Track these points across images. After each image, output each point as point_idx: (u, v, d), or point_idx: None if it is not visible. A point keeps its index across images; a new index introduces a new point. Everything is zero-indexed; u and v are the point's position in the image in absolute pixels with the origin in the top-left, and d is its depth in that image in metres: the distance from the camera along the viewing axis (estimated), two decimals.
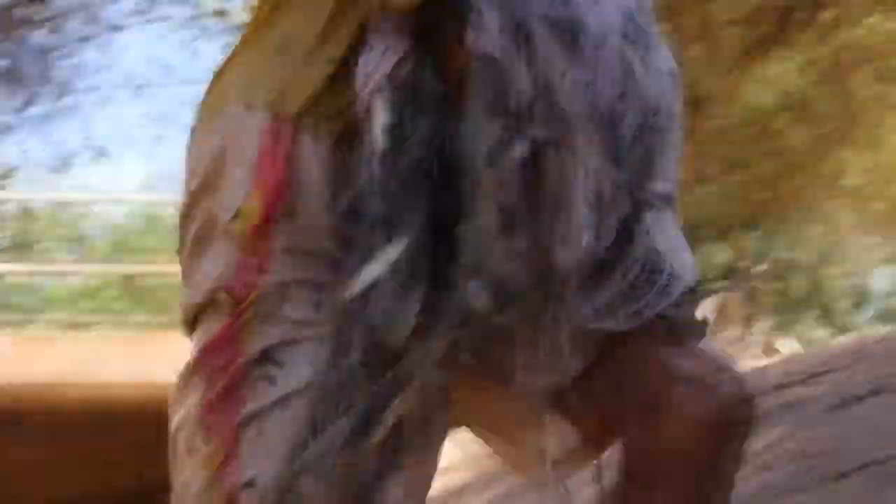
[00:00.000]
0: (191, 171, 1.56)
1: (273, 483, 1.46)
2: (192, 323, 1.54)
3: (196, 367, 1.51)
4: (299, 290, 1.50)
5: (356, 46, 1.49)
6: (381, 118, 1.45)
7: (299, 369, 1.48)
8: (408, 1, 1.45)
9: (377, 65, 1.46)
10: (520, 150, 1.41)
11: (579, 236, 1.44)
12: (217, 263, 1.50)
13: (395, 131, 1.45)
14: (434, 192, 1.45)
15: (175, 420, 1.52)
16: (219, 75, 1.59)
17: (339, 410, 1.44)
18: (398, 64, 1.46)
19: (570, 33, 1.45)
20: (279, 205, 1.49)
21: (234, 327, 1.49)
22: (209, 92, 1.59)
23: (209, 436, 1.48)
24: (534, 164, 1.42)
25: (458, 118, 1.43)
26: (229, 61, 1.59)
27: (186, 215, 1.56)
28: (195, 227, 1.54)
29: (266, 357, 1.49)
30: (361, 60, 1.46)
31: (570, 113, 1.43)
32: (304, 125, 1.51)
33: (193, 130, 1.59)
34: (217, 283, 1.50)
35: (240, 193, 1.49)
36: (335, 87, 1.51)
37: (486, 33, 1.43)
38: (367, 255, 1.44)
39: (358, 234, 1.45)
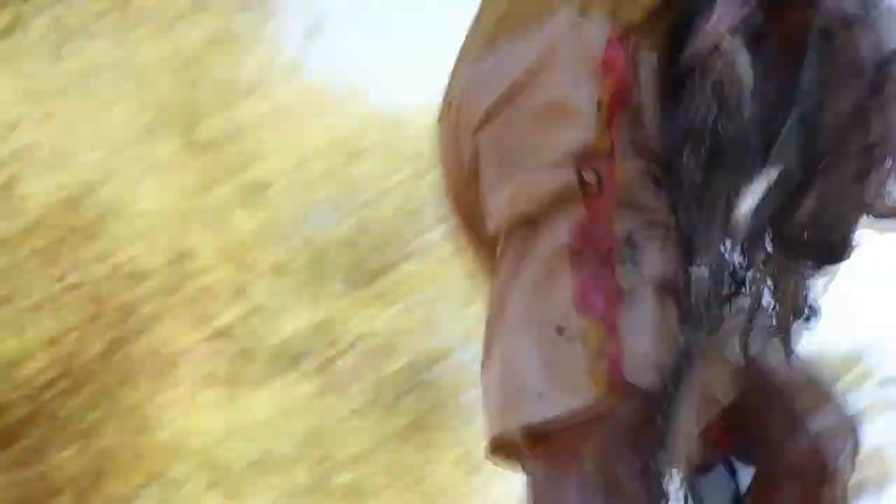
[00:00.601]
0: (487, 83, 1.61)
1: (649, 359, 1.53)
2: (545, 212, 1.56)
3: (566, 251, 1.55)
4: (646, 180, 1.57)
5: None
6: (742, 58, 1.52)
7: (654, 257, 1.56)
8: None
9: (733, 7, 1.54)
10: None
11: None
12: (569, 144, 1.55)
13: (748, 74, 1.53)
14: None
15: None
16: None
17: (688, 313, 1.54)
18: (751, 12, 1.54)
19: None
20: (626, 103, 1.56)
21: (603, 210, 1.55)
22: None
23: (587, 314, 1.53)
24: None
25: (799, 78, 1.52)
26: None
27: (490, 117, 1.59)
28: (518, 119, 1.57)
29: (629, 240, 1.55)
30: (715, 14, 1.53)
31: None
32: (641, 37, 1.58)
33: (486, 47, 1.64)
34: (577, 162, 1.55)
35: (579, 87, 1.56)
36: (669, 7, 1.59)
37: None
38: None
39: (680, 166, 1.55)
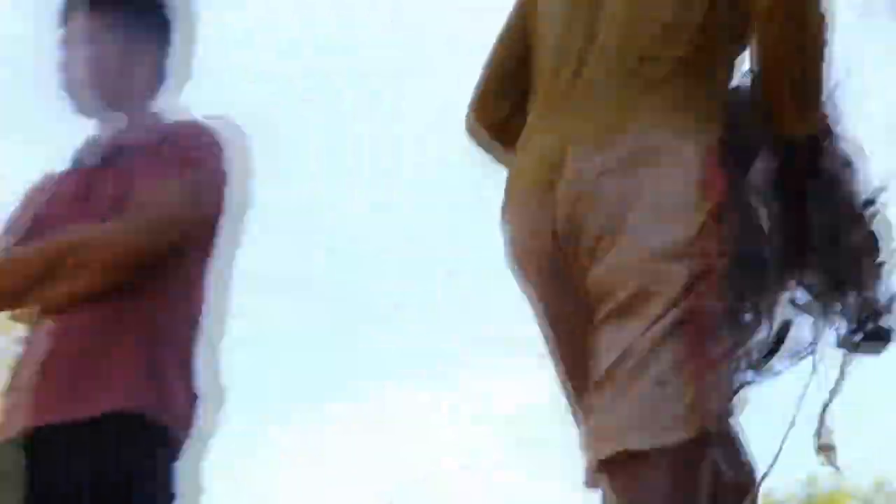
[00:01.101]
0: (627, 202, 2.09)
1: (723, 416, 2.08)
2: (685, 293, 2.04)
3: (683, 324, 2.03)
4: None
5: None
6: (775, 207, 2.16)
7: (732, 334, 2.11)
8: (801, 131, 2.15)
9: (767, 167, 2.15)
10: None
11: None
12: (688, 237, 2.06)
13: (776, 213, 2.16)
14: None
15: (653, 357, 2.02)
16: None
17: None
18: (775, 168, 2.16)
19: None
20: (725, 208, 2.07)
21: (712, 296, 2.04)
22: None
23: (687, 371, 2.01)
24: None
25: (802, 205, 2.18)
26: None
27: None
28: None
29: (720, 321, 2.06)
30: (759, 159, 2.15)
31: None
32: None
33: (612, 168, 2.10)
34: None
35: (684, 194, 2.07)
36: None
37: (833, 158, 2.19)
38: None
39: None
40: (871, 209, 2.18)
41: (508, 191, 2.24)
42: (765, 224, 2.12)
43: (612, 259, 2.05)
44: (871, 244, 2.18)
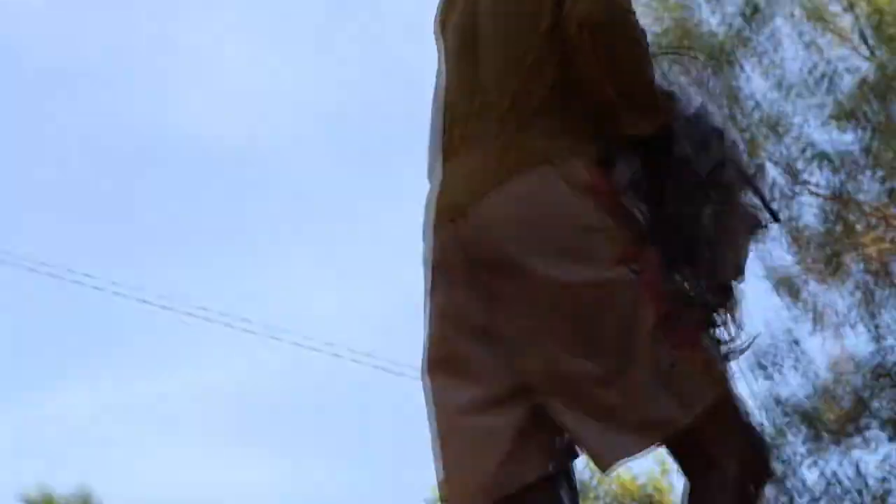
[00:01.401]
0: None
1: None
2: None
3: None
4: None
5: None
6: (637, 205, 2.35)
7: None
8: (644, 131, 2.34)
9: (624, 171, 2.34)
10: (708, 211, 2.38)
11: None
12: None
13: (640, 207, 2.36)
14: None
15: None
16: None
17: None
18: (635, 171, 2.35)
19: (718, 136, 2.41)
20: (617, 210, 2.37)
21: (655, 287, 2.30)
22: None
23: (683, 349, 2.30)
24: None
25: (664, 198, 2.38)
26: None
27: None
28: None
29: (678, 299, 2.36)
30: (617, 168, 2.34)
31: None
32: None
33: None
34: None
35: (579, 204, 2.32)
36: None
37: (681, 146, 2.37)
38: None
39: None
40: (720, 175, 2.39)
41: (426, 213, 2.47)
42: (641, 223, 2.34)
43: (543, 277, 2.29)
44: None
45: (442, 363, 2.37)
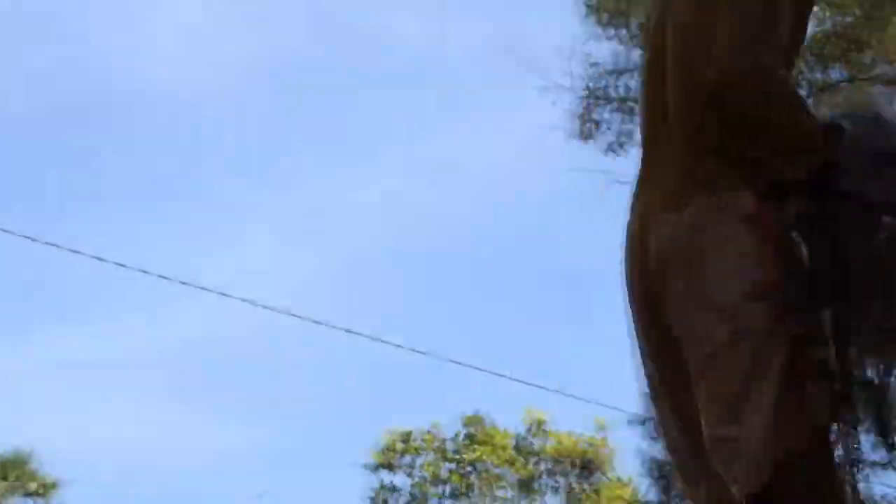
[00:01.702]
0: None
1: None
2: None
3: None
4: None
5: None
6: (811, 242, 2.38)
7: None
8: (800, 175, 2.35)
9: (791, 206, 2.38)
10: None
11: None
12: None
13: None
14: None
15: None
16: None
17: None
18: (801, 205, 2.38)
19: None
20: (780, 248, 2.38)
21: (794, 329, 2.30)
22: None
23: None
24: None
25: None
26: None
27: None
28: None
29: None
30: (785, 202, 2.37)
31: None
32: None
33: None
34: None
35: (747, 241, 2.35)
36: None
37: (848, 180, 2.34)
38: None
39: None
40: None
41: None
42: (805, 261, 2.35)
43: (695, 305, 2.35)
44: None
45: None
